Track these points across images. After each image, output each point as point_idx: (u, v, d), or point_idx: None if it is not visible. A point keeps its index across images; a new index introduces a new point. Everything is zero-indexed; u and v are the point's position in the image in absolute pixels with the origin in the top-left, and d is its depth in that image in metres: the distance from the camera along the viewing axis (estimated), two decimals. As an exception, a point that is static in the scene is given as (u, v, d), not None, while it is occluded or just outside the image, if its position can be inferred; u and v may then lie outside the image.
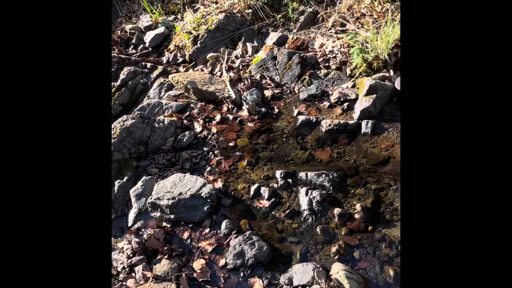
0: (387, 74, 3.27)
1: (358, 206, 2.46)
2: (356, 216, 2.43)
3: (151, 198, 2.58)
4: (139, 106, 3.52)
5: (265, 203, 2.60)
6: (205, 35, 4.28)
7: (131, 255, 2.42)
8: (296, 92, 3.46)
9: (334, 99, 3.27)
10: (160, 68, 4.04)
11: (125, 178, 2.88)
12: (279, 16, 4.26)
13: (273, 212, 2.56)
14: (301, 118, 3.14)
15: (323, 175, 2.65)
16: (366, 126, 3.00)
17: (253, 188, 2.68)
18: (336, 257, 2.24)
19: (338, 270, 2.09)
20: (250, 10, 4.36)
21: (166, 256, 2.37)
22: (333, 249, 2.27)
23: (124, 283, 2.28)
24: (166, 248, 2.41)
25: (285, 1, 4.34)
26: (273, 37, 4.02)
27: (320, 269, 2.12)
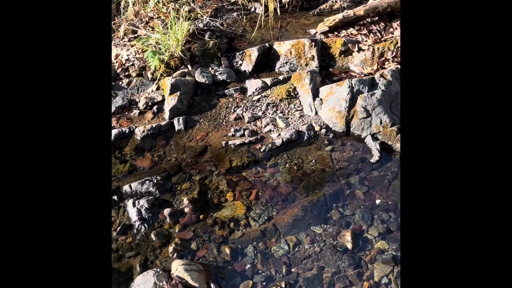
0: (186, 70, 3.39)
1: (185, 200, 2.52)
2: (186, 210, 2.50)
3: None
4: None
5: (94, 228, 2.48)
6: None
7: None
8: (104, 107, 3.35)
9: (143, 105, 3.26)
10: None
11: None
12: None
13: (104, 234, 2.46)
14: (113, 132, 3.06)
15: (147, 181, 2.64)
16: (178, 123, 3.08)
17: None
18: (175, 255, 2.28)
19: (177, 267, 2.13)
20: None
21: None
22: (170, 248, 2.30)
23: None
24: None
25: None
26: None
27: (161, 272, 2.13)
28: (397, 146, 2.80)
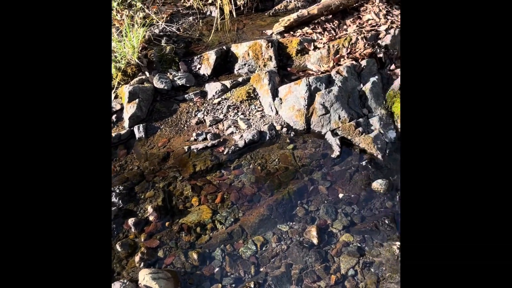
0: (143, 77, 3.35)
1: (150, 209, 2.50)
2: (151, 218, 2.47)
3: None
4: None
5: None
6: None
7: None
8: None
9: (101, 115, 3.20)
10: None
11: None
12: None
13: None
14: (72, 144, 2.98)
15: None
16: (139, 131, 3.04)
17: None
18: (142, 264, 2.25)
19: (144, 276, 2.10)
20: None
21: None
22: (137, 258, 2.26)
23: None
24: None
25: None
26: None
27: (128, 283, 2.10)
28: (356, 140, 2.87)
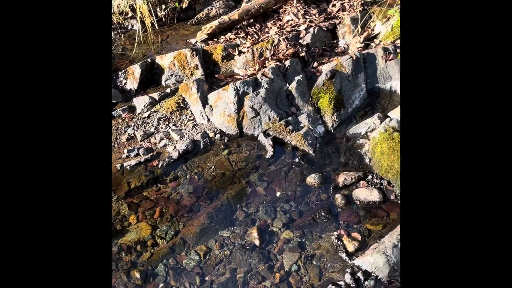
0: None
1: (85, 233, 2.40)
2: (88, 243, 2.38)
3: None
4: None
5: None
6: None
7: None
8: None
9: None
10: None
11: None
12: None
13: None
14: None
15: (40, 222, 2.47)
16: (67, 155, 2.92)
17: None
18: (82, 292, 2.16)
19: (84, 304, 2.02)
20: None
21: None
22: (76, 287, 2.17)
23: None
24: None
25: None
26: None
27: (68, 314, 2.01)
28: (288, 138, 2.95)
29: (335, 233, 2.38)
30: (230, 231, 2.45)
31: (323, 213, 2.49)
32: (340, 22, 3.73)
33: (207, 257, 2.33)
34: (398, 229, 2.29)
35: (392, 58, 3.27)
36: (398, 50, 3.33)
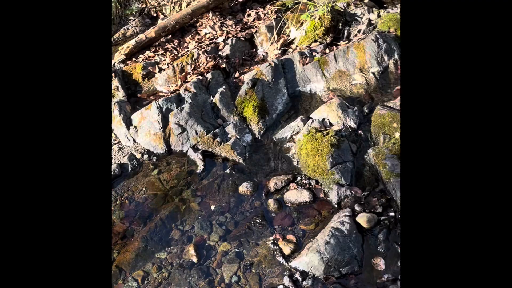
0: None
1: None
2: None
3: None
4: None
5: None
6: None
7: None
8: None
9: None
10: None
11: None
12: None
13: None
14: None
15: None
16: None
17: None
18: None
19: None
20: None
21: None
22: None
23: None
24: None
25: None
26: None
27: None
28: (217, 150, 2.96)
29: (271, 238, 2.42)
30: (167, 251, 2.42)
31: (257, 220, 2.53)
32: (256, 31, 3.82)
33: (145, 282, 2.27)
34: (329, 225, 2.37)
35: (308, 62, 3.39)
36: (314, 53, 3.47)
